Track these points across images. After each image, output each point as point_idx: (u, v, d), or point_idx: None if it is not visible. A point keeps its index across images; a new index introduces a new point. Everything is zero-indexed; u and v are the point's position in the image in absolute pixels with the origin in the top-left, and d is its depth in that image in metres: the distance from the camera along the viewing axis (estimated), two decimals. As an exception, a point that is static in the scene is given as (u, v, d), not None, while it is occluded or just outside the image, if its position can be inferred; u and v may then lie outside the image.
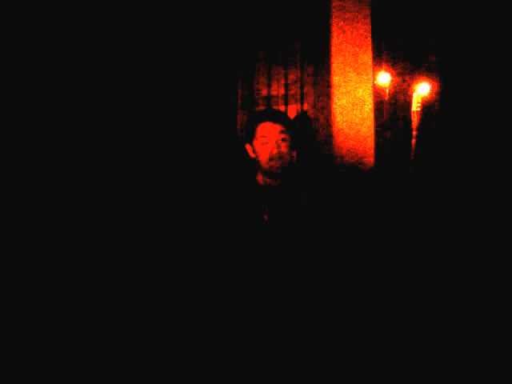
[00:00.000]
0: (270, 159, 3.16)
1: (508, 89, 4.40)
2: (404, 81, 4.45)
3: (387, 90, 4.41)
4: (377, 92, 4.42)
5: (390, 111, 4.48)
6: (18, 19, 4.11)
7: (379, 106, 4.43)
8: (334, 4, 4.31)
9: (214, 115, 4.43)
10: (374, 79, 4.42)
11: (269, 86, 4.64)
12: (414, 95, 4.36)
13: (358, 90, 4.34)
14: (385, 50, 4.48)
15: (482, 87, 4.44)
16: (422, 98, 4.36)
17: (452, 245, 4.06)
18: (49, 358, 3.46)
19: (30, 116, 4.11)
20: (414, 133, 4.37)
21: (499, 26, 4.38)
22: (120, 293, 3.84)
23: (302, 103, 4.59)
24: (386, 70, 4.46)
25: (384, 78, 4.43)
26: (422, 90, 4.38)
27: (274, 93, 4.65)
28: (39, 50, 4.14)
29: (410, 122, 4.38)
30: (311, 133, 4.47)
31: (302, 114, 4.60)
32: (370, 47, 4.37)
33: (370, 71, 4.36)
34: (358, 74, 4.34)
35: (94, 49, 4.22)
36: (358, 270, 3.86)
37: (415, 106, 4.36)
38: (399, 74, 4.46)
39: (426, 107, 4.40)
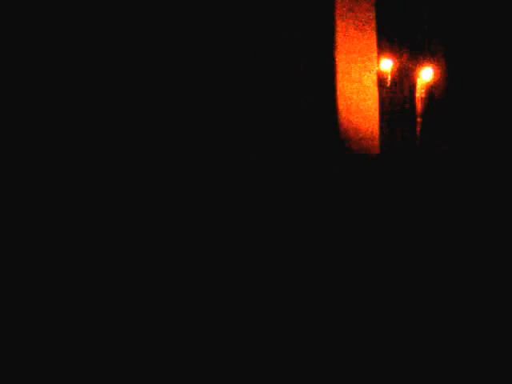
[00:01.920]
0: None
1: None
2: (408, 67, 4.40)
3: (389, 76, 4.36)
4: (380, 78, 4.37)
5: (394, 97, 4.44)
6: (17, 19, 4.08)
7: (382, 92, 4.38)
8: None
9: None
10: (378, 65, 4.38)
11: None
12: (418, 81, 4.33)
13: (363, 77, 4.31)
14: (387, 36, 4.42)
15: (487, 71, 4.40)
16: (426, 84, 4.33)
17: (458, 232, 4.05)
18: (48, 358, 3.43)
19: (29, 116, 4.08)
20: (419, 119, 4.33)
21: (505, 9, 4.34)
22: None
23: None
24: (388, 56, 4.41)
25: (386, 64, 4.39)
26: (426, 75, 4.34)
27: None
28: (39, 50, 4.10)
29: (414, 108, 4.35)
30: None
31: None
32: (375, 33, 4.33)
33: (374, 57, 4.33)
34: (362, 60, 4.31)
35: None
36: (364, 258, 3.85)
37: (419, 92, 4.33)
38: (402, 60, 4.41)
39: (431, 92, 4.36)
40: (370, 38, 4.35)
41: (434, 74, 4.36)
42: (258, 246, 3.87)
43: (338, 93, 4.31)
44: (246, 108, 4.34)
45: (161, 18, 4.21)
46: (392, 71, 4.36)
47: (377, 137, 4.32)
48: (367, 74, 4.33)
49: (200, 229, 4.01)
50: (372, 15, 4.34)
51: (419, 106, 4.32)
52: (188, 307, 3.64)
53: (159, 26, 4.22)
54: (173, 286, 3.79)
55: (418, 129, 4.32)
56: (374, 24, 4.34)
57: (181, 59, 4.27)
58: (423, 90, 4.30)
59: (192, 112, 4.26)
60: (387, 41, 4.42)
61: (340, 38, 4.32)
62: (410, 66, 4.41)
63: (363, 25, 4.33)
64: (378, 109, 4.34)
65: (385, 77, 4.34)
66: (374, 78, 4.34)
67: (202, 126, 4.27)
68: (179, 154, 4.19)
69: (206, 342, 3.40)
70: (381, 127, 4.36)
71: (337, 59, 4.31)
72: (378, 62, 4.35)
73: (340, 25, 4.32)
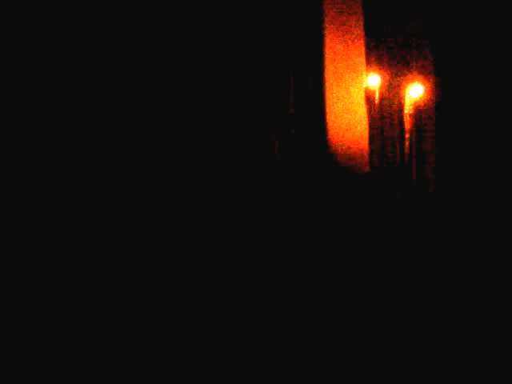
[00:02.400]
0: None
1: (506, 88, 4.39)
2: (396, 83, 4.40)
3: (377, 93, 4.35)
4: (368, 95, 4.36)
5: (383, 114, 4.43)
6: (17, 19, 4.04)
7: (371, 108, 4.38)
8: (327, 3, 4.28)
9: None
10: (367, 82, 4.37)
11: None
12: (406, 98, 4.32)
13: (352, 94, 4.32)
14: (376, 52, 4.42)
15: (478, 85, 4.42)
16: (415, 100, 4.32)
17: (447, 248, 4.05)
18: (48, 358, 3.42)
19: (30, 116, 4.05)
20: (407, 135, 4.32)
21: (495, 23, 4.37)
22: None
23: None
24: (377, 73, 4.39)
25: (375, 81, 4.38)
26: (414, 92, 4.33)
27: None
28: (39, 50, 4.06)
29: (403, 124, 4.34)
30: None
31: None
32: (364, 49, 4.34)
33: (363, 74, 4.34)
34: (351, 77, 4.32)
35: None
36: (355, 273, 3.84)
37: (407, 109, 4.32)
38: (391, 77, 4.41)
39: (419, 109, 4.35)
40: (359, 55, 4.36)
41: (423, 91, 4.36)
42: (243, 264, 3.86)
43: (327, 109, 4.30)
44: (232, 120, 4.32)
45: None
46: (380, 88, 4.35)
47: (366, 153, 4.31)
48: (356, 90, 4.34)
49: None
50: (361, 31, 4.34)
51: (407, 122, 4.31)
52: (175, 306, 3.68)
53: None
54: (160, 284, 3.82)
55: (407, 145, 4.32)
56: (362, 40, 4.35)
57: (164, 72, 4.24)
58: (411, 107, 4.30)
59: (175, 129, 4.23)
60: (376, 57, 4.42)
61: (329, 54, 4.32)
62: (399, 82, 4.41)
63: (352, 41, 4.33)
64: (367, 125, 4.34)
65: (373, 93, 4.33)
66: (363, 94, 4.34)
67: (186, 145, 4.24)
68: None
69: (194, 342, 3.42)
70: (370, 143, 4.35)
71: (326, 76, 4.31)
72: (366, 79, 4.34)
73: (329, 41, 4.32)
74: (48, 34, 4.08)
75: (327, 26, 4.31)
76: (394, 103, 4.42)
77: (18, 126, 4.04)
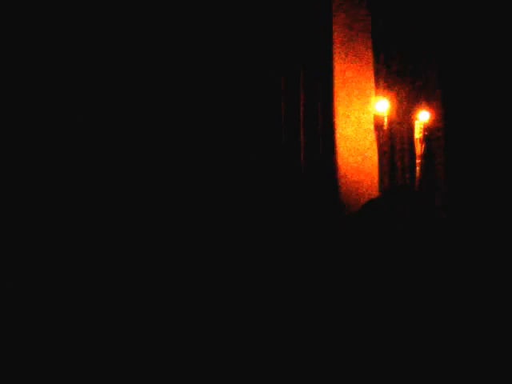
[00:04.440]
0: None
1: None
2: (406, 108, 4.37)
3: (386, 118, 4.32)
4: (377, 119, 4.35)
5: (393, 138, 4.40)
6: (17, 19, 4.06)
7: (381, 133, 4.35)
8: (336, 30, 4.31)
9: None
10: (376, 107, 4.36)
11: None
12: (416, 122, 4.30)
13: (362, 119, 4.33)
14: (385, 76, 4.41)
15: (488, 107, 4.40)
16: (425, 124, 4.29)
17: (458, 273, 3.99)
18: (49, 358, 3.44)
19: (31, 116, 4.05)
20: (418, 160, 4.29)
21: (503, 47, 4.36)
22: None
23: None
24: (386, 97, 4.37)
25: (383, 106, 4.35)
26: (424, 116, 4.31)
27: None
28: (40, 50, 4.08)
29: (413, 149, 4.31)
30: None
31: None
32: (373, 74, 4.36)
33: (372, 99, 4.35)
34: (361, 102, 4.34)
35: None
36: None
37: (418, 134, 4.29)
38: (401, 101, 4.39)
39: (430, 133, 4.32)
40: (368, 80, 4.37)
41: (433, 115, 4.34)
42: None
43: (338, 134, 4.31)
44: (241, 148, 4.31)
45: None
46: (390, 112, 4.33)
47: (376, 179, 4.30)
48: (365, 115, 4.35)
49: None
50: (370, 57, 4.35)
51: (418, 147, 4.28)
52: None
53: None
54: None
55: (418, 170, 4.28)
56: (371, 65, 4.36)
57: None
58: (421, 131, 4.27)
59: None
60: (385, 82, 4.40)
61: (338, 81, 4.34)
62: (409, 106, 4.38)
63: (361, 67, 4.36)
64: (376, 150, 4.33)
65: (382, 119, 4.32)
66: (372, 119, 4.34)
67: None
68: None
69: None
70: (380, 168, 4.32)
71: (335, 101, 4.32)
72: (375, 104, 4.34)
73: (338, 67, 4.34)
74: (48, 33, 4.09)
75: (336, 52, 4.33)
76: (403, 128, 4.38)
77: (18, 125, 4.03)
